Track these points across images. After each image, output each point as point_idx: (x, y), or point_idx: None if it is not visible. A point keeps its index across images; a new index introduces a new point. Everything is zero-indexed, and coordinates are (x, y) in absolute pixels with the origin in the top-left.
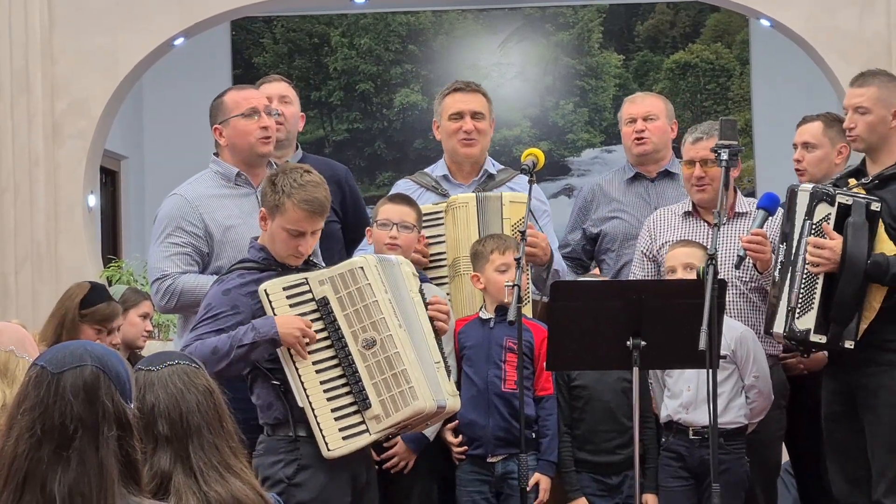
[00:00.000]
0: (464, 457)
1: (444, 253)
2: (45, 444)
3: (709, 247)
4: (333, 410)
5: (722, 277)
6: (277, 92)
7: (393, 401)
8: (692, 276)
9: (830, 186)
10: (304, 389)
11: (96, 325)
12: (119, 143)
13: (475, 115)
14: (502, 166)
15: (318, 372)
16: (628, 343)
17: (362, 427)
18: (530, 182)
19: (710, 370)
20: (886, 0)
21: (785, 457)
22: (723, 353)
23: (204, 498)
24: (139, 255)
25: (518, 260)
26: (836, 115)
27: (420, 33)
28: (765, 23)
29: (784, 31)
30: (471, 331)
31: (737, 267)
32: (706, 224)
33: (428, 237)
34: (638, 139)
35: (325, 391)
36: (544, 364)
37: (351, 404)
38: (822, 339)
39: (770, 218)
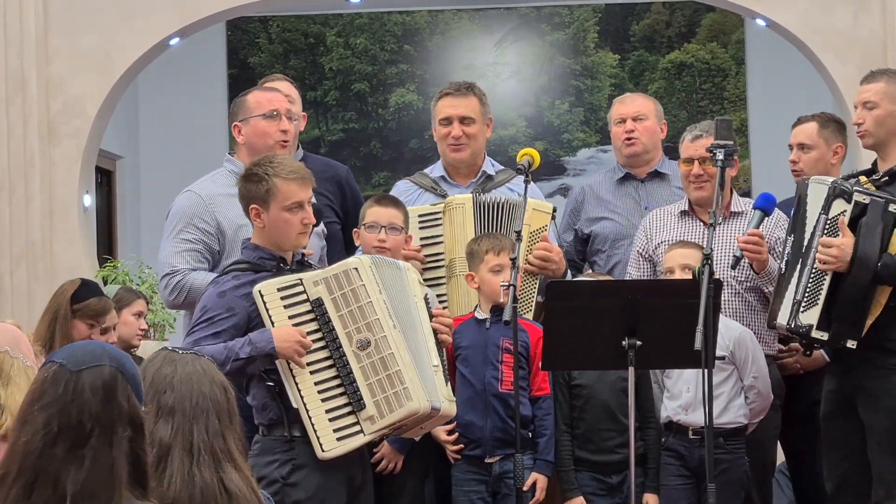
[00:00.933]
0: (459, 456)
1: (442, 254)
2: (60, 442)
3: (704, 246)
4: (328, 411)
5: (718, 277)
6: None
7: (387, 402)
8: (690, 276)
9: (850, 183)
10: (299, 390)
11: (89, 319)
12: (114, 142)
13: (464, 121)
14: (502, 167)
15: (312, 373)
16: (624, 343)
17: (356, 428)
18: (526, 182)
19: (706, 370)
20: None
21: (780, 457)
22: (721, 353)
23: (191, 481)
24: (134, 255)
25: (513, 260)
26: (831, 115)
27: (415, 33)
28: (760, 22)
29: (779, 31)
30: (466, 331)
31: (733, 267)
32: (702, 223)
33: (426, 238)
34: (627, 140)
35: (319, 392)
36: (540, 364)
37: (345, 405)
38: (824, 336)
39: (766, 218)
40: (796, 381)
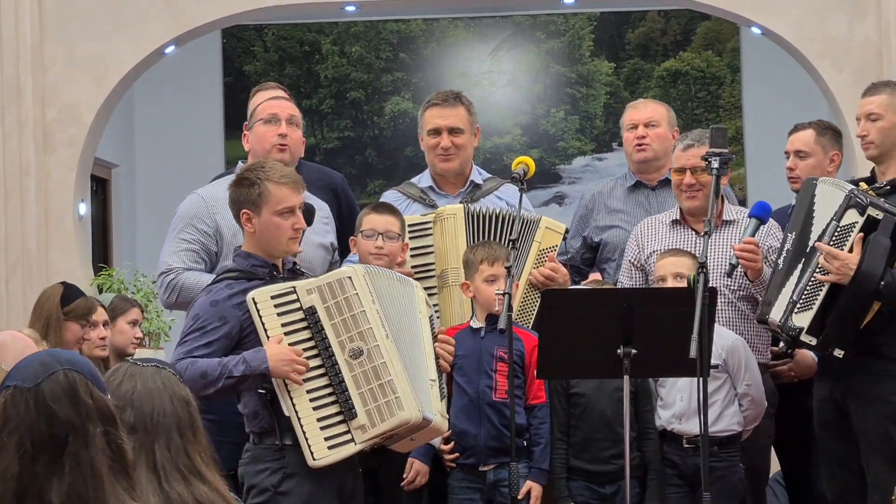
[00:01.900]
0: (455, 465)
1: (433, 264)
2: (38, 459)
3: (699, 255)
4: (319, 420)
5: (712, 285)
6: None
7: (379, 411)
8: (682, 285)
9: (867, 193)
10: (291, 399)
11: (80, 319)
12: (110, 151)
13: (452, 131)
14: (489, 175)
15: (304, 381)
16: (619, 351)
17: (348, 437)
18: (521, 191)
19: (701, 378)
20: (877, 6)
21: (775, 466)
22: (715, 362)
23: (166, 497)
24: (130, 264)
25: (508, 268)
26: (828, 123)
27: (411, 41)
28: (755, 30)
29: (775, 39)
30: (461, 340)
31: (728, 275)
32: (694, 232)
33: (416, 248)
34: (638, 145)
35: (311, 400)
36: (535, 372)
37: (337, 414)
38: (812, 342)
39: (762, 227)
40: (790, 389)
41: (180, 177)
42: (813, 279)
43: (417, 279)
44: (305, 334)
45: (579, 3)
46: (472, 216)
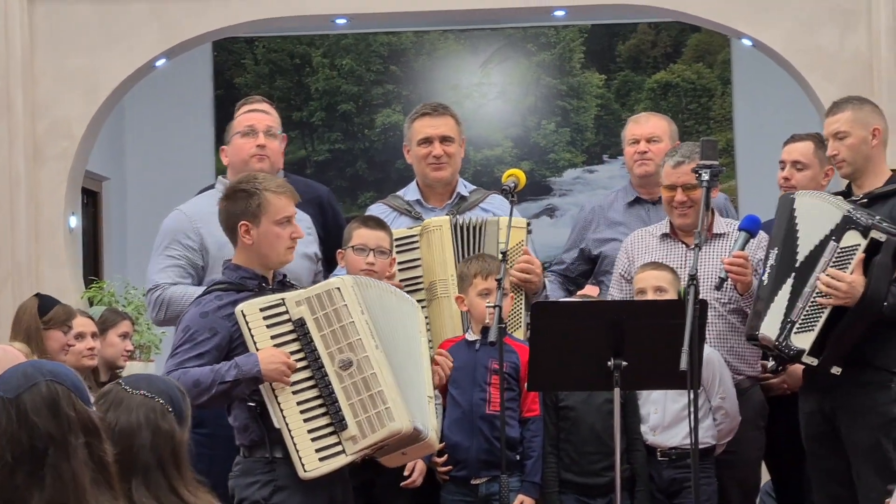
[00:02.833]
0: (447, 477)
1: (421, 277)
2: (18, 471)
3: (689, 268)
4: (310, 431)
5: (703, 298)
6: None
7: (369, 422)
8: (662, 298)
9: (865, 214)
10: (281, 410)
11: (62, 326)
12: (100, 164)
13: (444, 140)
14: (474, 187)
15: (294, 393)
16: (609, 363)
17: (339, 448)
18: (511, 203)
19: (692, 390)
20: (867, 19)
21: (765, 477)
22: None
23: None
24: (120, 276)
25: (499, 281)
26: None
27: (401, 54)
28: (746, 42)
29: (765, 51)
30: (457, 353)
31: (717, 288)
32: (684, 246)
33: (403, 262)
34: (640, 160)
35: (301, 412)
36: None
37: (327, 425)
38: (814, 363)
39: (752, 240)
40: (781, 401)
41: (171, 190)
42: (814, 299)
43: (406, 293)
44: (295, 346)
45: (570, 15)
46: (459, 228)
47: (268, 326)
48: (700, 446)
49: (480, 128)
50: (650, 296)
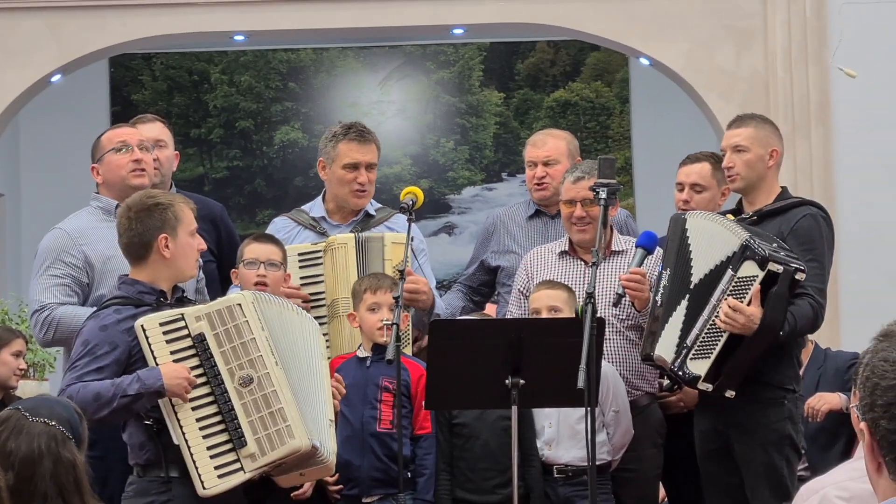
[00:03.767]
0: (339, 496)
1: (323, 293)
2: None
3: (587, 285)
4: (209, 448)
5: (600, 316)
6: (152, 136)
7: (269, 439)
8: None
9: (763, 244)
10: (181, 426)
11: None
12: None
13: (370, 167)
14: (380, 205)
15: (193, 409)
16: (507, 381)
17: (237, 465)
18: (409, 221)
19: (589, 408)
20: (763, 39)
21: (662, 495)
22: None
23: None
24: (15, 294)
25: (396, 299)
26: (721, 156)
27: (300, 71)
28: (644, 62)
29: (663, 70)
30: (347, 370)
31: (615, 304)
32: (583, 263)
33: (306, 277)
34: (538, 184)
35: (200, 429)
36: (423, 402)
37: (226, 442)
38: (709, 388)
39: (649, 256)
40: (678, 419)
41: (67, 206)
42: (710, 326)
43: (307, 308)
44: (194, 361)
45: (469, 33)
46: (363, 245)
47: (167, 342)
48: (596, 463)
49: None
50: (544, 314)
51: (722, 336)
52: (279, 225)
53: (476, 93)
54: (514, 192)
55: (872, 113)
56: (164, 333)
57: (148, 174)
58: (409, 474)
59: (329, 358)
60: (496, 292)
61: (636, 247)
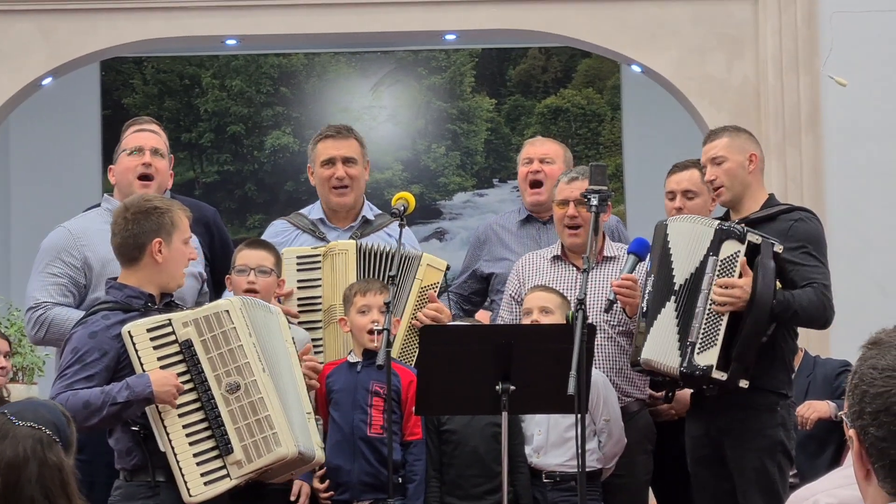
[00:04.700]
0: (329, 502)
1: (320, 297)
2: None
3: (578, 291)
4: (195, 455)
5: (591, 322)
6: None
7: (255, 446)
8: (548, 319)
9: (736, 224)
10: (167, 433)
11: None
12: None
13: (347, 161)
14: (380, 211)
15: (180, 416)
16: (497, 388)
17: (223, 472)
18: (401, 226)
19: (580, 414)
20: (755, 47)
21: (652, 501)
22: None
23: None
24: (3, 298)
25: (388, 304)
26: None
27: (292, 75)
28: (636, 69)
29: (654, 77)
30: (338, 375)
31: (606, 310)
32: (575, 268)
33: (303, 280)
34: (533, 185)
35: (187, 435)
36: (413, 408)
37: (213, 448)
38: (724, 377)
39: (640, 263)
40: (668, 426)
41: (57, 209)
42: (708, 315)
43: (303, 312)
44: (181, 367)
45: (461, 39)
46: (364, 253)
47: (154, 348)
48: (586, 470)
49: (370, 151)
50: (535, 315)
51: (722, 320)
52: (278, 228)
53: (467, 99)
54: (504, 197)
55: (863, 121)
56: (152, 339)
57: (157, 181)
58: (399, 479)
59: (322, 363)
60: (489, 299)
61: (628, 253)
